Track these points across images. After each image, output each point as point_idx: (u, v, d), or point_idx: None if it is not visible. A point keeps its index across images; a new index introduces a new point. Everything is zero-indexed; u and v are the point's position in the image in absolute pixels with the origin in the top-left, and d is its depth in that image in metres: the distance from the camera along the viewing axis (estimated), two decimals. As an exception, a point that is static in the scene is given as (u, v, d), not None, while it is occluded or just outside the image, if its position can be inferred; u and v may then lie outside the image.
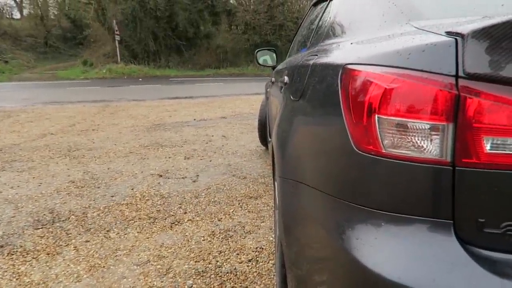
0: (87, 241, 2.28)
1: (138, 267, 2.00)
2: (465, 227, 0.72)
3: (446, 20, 0.95)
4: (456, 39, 0.71)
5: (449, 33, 0.74)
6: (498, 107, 0.68)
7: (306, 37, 2.19)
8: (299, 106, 1.27)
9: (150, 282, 1.86)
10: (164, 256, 2.11)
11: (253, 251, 2.15)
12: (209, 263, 2.03)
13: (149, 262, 2.05)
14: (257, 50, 3.42)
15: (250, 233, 2.38)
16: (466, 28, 0.70)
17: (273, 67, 3.42)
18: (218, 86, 13.43)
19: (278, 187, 1.43)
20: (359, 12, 1.34)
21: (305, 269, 1.12)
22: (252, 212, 2.71)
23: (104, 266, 2.01)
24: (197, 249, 2.18)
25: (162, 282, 1.86)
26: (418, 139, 0.74)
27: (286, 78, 1.74)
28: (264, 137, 4.24)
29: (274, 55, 3.39)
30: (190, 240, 2.30)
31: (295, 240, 1.18)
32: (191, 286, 1.83)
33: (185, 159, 4.11)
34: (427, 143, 0.73)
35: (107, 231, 2.42)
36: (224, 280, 1.87)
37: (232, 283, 1.84)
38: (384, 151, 0.78)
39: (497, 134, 0.69)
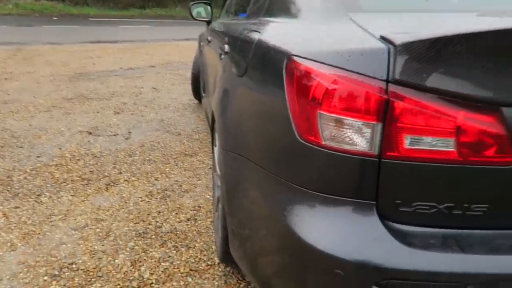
0: (16, 207, 2.19)
1: (76, 231, 2.00)
2: (385, 207, 0.87)
3: (382, 17, 1.05)
4: (389, 47, 0.81)
5: (383, 39, 0.84)
6: (418, 111, 0.80)
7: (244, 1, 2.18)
8: (243, 83, 1.33)
9: (90, 246, 1.89)
10: (103, 219, 2.12)
11: (191, 210, 2.25)
12: (149, 224, 2.10)
13: (87, 226, 2.06)
14: (191, 3, 3.30)
15: (188, 192, 2.46)
16: (398, 38, 0.80)
17: (208, 22, 3.35)
18: (145, 30, 12.64)
19: (220, 157, 1.51)
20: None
21: (247, 236, 1.25)
22: (188, 170, 2.77)
23: (39, 233, 1.97)
24: (136, 211, 2.23)
25: (103, 245, 1.90)
26: (352, 134, 0.85)
27: (226, 47, 1.75)
28: (197, 91, 4.21)
29: (209, 8, 3.31)
30: (127, 201, 2.32)
31: (238, 209, 1.29)
32: (133, 248, 1.89)
33: (114, 114, 3.97)
34: (359, 138, 0.85)
35: (38, 195, 2.33)
36: (165, 240, 1.96)
37: (173, 242, 1.94)
38: (323, 143, 0.89)
39: (415, 133, 0.82)
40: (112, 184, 2.53)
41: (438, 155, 0.82)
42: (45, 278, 1.67)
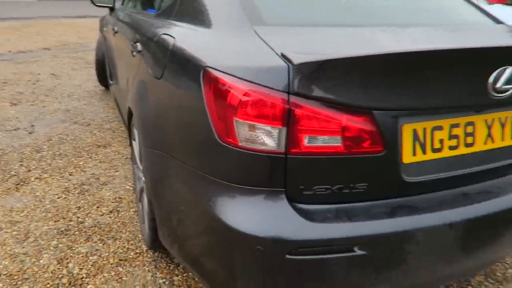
0: None
1: (-9, 237, 1.94)
2: (292, 192, 1.09)
3: (282, 32, 1.24)
4: (288, 66, 1.00)
5: (284, 57, 1.03)
6: (313, 116, 1.02)
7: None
8: (162, 86, 1.43)
9: (9, 250, 1.86)
10: (18, 221, 2.07)
11: (112, 202, 2.30)
12: (70, 221, 2.10)
13: (2, 229, 2.00)
14: (91, -11, 3.17)
15: (106, 184, 2.48)
16: (295, 58, 1.00)
17: (111, 8, 3.26)
18: (31, 4, 11.37)
19: (143, 153, 1.60)
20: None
21: (176, 225, 1.40)
22: (104, 162, 2.77)
23: None
24: (54, 208, 2.20)
25: (23, 248, 1.88)
26: (263, 136, 1.04)
27: (139, 46, 1.81)
28: (103, 77, 4.08)
29: (111, -7, 3.21)
30: (43, 200, 2.27)
31: (166, 201, 1.43)
32: (57, 246, 1.91)
33: (11, 105, 3.68)
34: (269, 139, 1.04)
35: None
36: (90, 235, 2.00)
37: (99, 236, 1.99)
38: (239, 144, 1.06)
39: (312, 133, 1.04)
40: (22, 183, 2.43)
41: (329, 149, 1.05)
42: (-36, 288, 1.63)
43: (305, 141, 1.04)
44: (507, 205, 1.25)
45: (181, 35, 1.44)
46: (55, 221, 2.09)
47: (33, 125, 3.27)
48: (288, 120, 1.02)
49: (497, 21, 1.74)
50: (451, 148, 1.19)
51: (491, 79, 1.12)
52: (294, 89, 1.00)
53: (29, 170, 2.58)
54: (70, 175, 2.57)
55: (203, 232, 1.23)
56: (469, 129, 1.21)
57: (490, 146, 1.26)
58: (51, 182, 2.46)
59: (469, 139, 1.22)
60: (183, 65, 1.29)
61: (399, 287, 1.27)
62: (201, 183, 1.19)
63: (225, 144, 1.08)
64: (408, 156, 1.13)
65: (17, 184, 2.41)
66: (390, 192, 1.15)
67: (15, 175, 2.52)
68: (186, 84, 1.26)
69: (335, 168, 1.08)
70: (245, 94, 1.03)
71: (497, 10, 7.22)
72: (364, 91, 1.03)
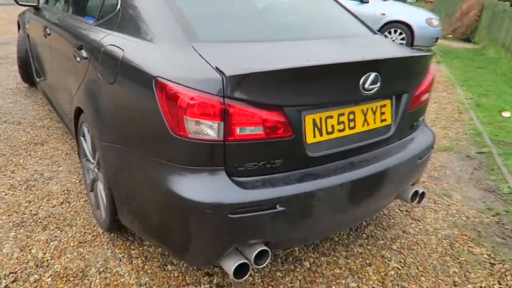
0: None
1: None
2: (229, 169, 1.48)
3: (215, 47, 1.60)
4: (222, 77, 1.39)
5: (218, 70, 1.41)
6: (242, 113, 1.42)
7: (90, 2, 2.43)
8: (116, 91, 1.72)
9: (-30, 244, 2.01)
10: (-30, 218, 2.20)
11: (61, 195, 2.49)
12: (23, 214, 2.28)
13: (-44, 227, 2.12)
14: (15, -11, 3.19)
15: (52, 179, 2.65)
16: (226, 71, 1.39)
17: (36, 7, 3.31)
18: None
19: (100, 148, 1.87)
20: (149, 17, 1.80)
21: (136, 206, 1.72)
22: (44, 158, 2.90)
23: None
24: (4, 204, 2.35)
25: (-17, 241, 2.04)
26: (206, 129, 1.42)
27: (84, 53, 2.04)
28: (27, 74, 4.06)
29: (35, -7, 3.26)
30: (-10, 197, 2.40)
31: (126, 187, 1.74)
32: (16, 237, 2.09)
33: None
34: (211, 131, 1.42)
35: None
36: (45, 224, 2.21)
37: (55, 225, 2.21)
38: (189, 136, 1.43)
39: (242, 125, 1.43)
40: (-37, 184, 2.51)
41: (255, 136, 1.46)
42: None
43: (237, 131, 1.44)
44: (380, 169, 1.78)
45: (129, 47, 1.73)
46: (8, 215, 2.25)
47: (-41, 126, 3.23)
48: (224, 116, 1.41)
49: (373, 32, 2.28)
50: (340, 130, 1.68)
51: (361, 81, 1.61)
52: (227, 93, 1.39)
53: (-32, 171, 2.64)
54: (13, 172, 2.68)
55: (162, 206, 1.58)
56: (351, 116, 1.71)
57: (366, 128, 1.77)
58: (-6, 181, 2.56)
59: (352, 124, 1.71)
60: (135, 74, 1.60)
61: (311, 233, 1.75)
62: (158, 168, 1.53)
63: (177, 136, 1.44)
64: (310, 138, 1.59)
65: (-42, 185, 2.48)
66: (299, 165, 1.60)
67: (-47, 176, 2.57)
68: (139, 90, 1.58)
69: (259, 150, 1.50)
70: (191, 99, 1.39)
71: (386, 4, 8.22)
72: (276, 93, 1.45)
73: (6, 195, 2.44)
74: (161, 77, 1.46)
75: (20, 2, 3.22)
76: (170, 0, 1.81)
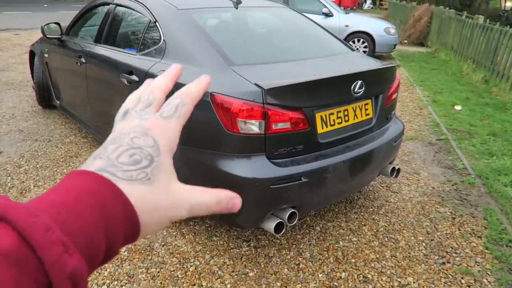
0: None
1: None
2: (268, 154, 2.11)
3: (248, 69, 2.23)
4: (262, 89, 2.02)
5: (257, 85, 2.04)
6: (276, 114, 2.05)
7: (127, 37, 3.00)
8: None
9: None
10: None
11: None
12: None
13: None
14: (43, 24, 3.69)
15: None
16: (264, 85, 2.02)
17: (59, 39, 3.81)
18: None
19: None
20: (191, 46, 2.41)
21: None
22: (83, 168, 3.40)
23: None
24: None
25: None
26: (252, 126, 2.04)
27: (134, 77, 2.62)
28: (44, 98, 4.51)
29: (59, 26, 3.77)
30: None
31: (190, 177, 2.32)
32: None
33: (-39, 131, 3.93)
34: (255, 127, 2.05)
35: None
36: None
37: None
38: (240, 132, 2.04)
39: (276, 122, 2.07)
40: (24, 191, 2.98)
41: (284, 130, 2.10)
42: None
43: (273, 126, 2.07)
44: (368, 149, 2.46)
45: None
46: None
47: (-3, 147, 3.66)
48: (264, 117, 2.04)
49: (351, 49, 2.99)
50: (339, 123, 2.34)
51: (352, 87, 2.28)
52: (266, 101, 2.02)
53: (23, 181, 3.11)
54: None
55: (220, 184, 2.17)
56: (345, 112, 2.38)
57: (356, 120, 2.45)
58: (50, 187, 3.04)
59: (346, 118, 2.39)
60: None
61: (323, 198, 2.40)
62: (216, 157, 2.13)
63: (231, 133, 2.05)
64: (320, 129, 2.24)
65: (20, 193, 2.96)
66: (314, 149, 2.25)
67: (12, 186, 3.03)
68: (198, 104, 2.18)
69: (287, 139, 2.14)
70: (241, 106, 2.01)
71: (349, 17, 9.13)
72: (297, 99, 2.10)
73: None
74: (216, 92, 2.07)
75: (48, 36, 3.71)
76: (206, 33, 2.43)
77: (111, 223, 0.31)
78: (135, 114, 0.39)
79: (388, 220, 2.81)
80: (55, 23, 3.77)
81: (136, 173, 0.34)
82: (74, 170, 0.33)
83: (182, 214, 0.36)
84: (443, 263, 2.41)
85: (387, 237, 2.63)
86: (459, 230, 2.75)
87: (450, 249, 2.54)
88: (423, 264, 2.39)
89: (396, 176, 2.81)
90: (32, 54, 4.71)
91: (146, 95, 0.41)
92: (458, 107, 5.51)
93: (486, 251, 2.53)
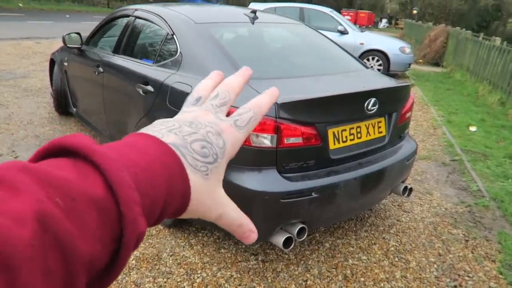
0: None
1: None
2: (279, 168, 2.11)
3: (259, 83, 2.26)
4: (275, 103, 2.03)
5: (271, 99, 2.06)
6: (288, 128, 2.06)
7: (145, 49, 3.06)
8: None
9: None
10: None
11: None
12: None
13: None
14: (64, 35, 3.79)
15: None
16: (278, 100, 2.03)
17: (79, 48, 3.91)
18: None
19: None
20: (207, 59, 2.45)
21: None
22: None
23: None
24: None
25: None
26: (264, 140, 2.05)
27: (150, 88, 2.66)
28: (61, 105, 4.61)
29: (79, 36, 3.87)
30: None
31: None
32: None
33: (-20, 135, 4.03)
34: (268, 141, 2.05)
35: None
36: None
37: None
38: (252, 144, 2.05)
39: (288, 136, 2.07)
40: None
41: (296, 144, 2.10)
42: None
43: (285, 141, 2.08)
44: (380, 167, 2.44)
45: (194, 83, 2.36)
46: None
47: (14, 151, 3.74)
48: (277, 131, 2.05)
49: (366, 67, 3.00)
50: (351, 140, 2.34)
51: (366, 104, 2.28)
52: (279, 115, 2.03)
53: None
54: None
55: (229, 196, 2.17)
56: (358, 129, 2.37)
57: (369, 137, 2.44)
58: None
59: (359, 135, 2.38)
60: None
61: (333, 214, 2.38)
62: (229, 170, 2.13)
63: (243, 146, 2.06)
64: (332, 145, 2.24)
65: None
66: (325, 164, 2.25)
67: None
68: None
69: (299, 154, 2.14)
70: (255, 119, 2.03)
71: (365, 36, 9.16)
72: (310, 114, 2.11)
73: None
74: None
75: (68, 45, 3.81)
76: (221, 47, 2.47)
77: (170, 199, 0.33)
78: (211, 107, 0.41)
79: (399, 240, 2.77)
80: (76, 33, 3.87)
81: (200, 165, 0.35)
82: (146, 133, 0.35)
83: (211, 217, 0.38)
84: (455, 286, 2.35)
85: (397, 257, 2.58)
86: (472, 253, 2.69)
87: (463, 272, 2.48)
88: (434, 287, 2.34)
89: (408, 195, 2.77)
90: (52, 62, 4.84)
91: (224, 93, 0.42)
92: (473, 128, 5.44)
93: (500, 276, 2.47)
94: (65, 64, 4.32)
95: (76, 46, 3.88)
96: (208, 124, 0.38)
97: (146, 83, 2.73)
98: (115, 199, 0.28)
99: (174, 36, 2.72)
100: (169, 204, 0.33)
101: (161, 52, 2.82)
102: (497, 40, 8.23)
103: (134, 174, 0.30)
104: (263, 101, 0.43)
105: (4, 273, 0.21)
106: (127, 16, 3.42)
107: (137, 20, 3.28)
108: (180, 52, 2.61)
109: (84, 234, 0.26)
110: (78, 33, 3.89)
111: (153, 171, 0.31)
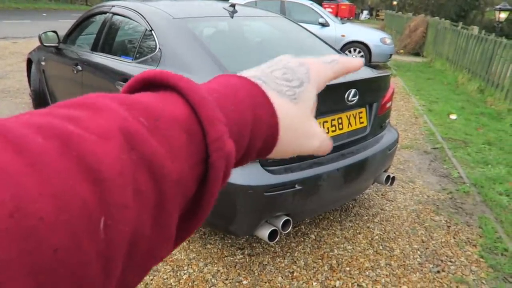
0: None
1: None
2: (262, 161, 2.12)
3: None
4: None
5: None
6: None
7: (123, 46, 3.01)
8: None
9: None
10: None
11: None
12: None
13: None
14: (41, 33, 3.71)
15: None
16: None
17: (56, 47, 3.83)
18: None
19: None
20: (186, 54, 2.43)
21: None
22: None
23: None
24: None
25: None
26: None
27: (131, 84, 2.62)
28: (40, 105, 4.52)
29: (56, 35, 3.79)
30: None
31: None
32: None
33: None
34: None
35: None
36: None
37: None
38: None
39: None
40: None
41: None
42: None
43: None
44: (362, 157, 2.46)
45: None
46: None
47: None
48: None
49: (347, 58, 3.01)
50: (333, 131, 2.35)
51: (346, 95, 2.30)
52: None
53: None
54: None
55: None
56: (340, 120, 2.39)
57: (350, 128, 2.46)
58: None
59: (340, 126, 2.40)
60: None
61: (317, 206, 2.40)
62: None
63: (225, 141, 2.06)
64: (314, 137, 2.24)
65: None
66: (308, 156, 2.25)
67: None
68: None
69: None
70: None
71: (346, 27, 9.22)
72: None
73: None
74: (210, 100, 2.08)
75: (45, 44, 3.73)
76: (201, 41, 2.45)
77: (257, 127, 0.32)
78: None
79: (383, 229, 2.81)
80: (53, 31, 3.79)
81: (286, 89, 0.35)
82: (223, 74, 0.35)
83: (314, 145, 0.37)
84: (438, 271, 2.40)
85: (382, 245, 2.62)
86: (454, 238, 2.74)
87: (445, 257, 2.54)
88: (417, 273, 2.38)
89: (391, 184, 2.81)
90: (29, 62, 4.73)
91: (330, 59, 0.42)
92: (453, 116, 5.54)
93: (481, 259, 2.53)
94: (43, 63, 4.23)
95: (53, 44, 3.80)
96: (287, 59, 0.38)
97: (126, 80, 2.69)
98: (198, 120, 0.27)
99: (153, 32, 2.68)
100: (257, 134, 0.32)
101: (140, 48, 2.78)
102: (475, 29, 8.37)
103: (216, 99, 0.29)
104: (349, 59, 0.43)
105: (94, 185, 0.20)
106: (105, 12, 3.36)
107: (115, 16, 3.22)
108: (159, 48, 2.57)
109: (170, 152, 0.25)
110: (55, 31, 3.81)
111: (237, 98, 0.31)
